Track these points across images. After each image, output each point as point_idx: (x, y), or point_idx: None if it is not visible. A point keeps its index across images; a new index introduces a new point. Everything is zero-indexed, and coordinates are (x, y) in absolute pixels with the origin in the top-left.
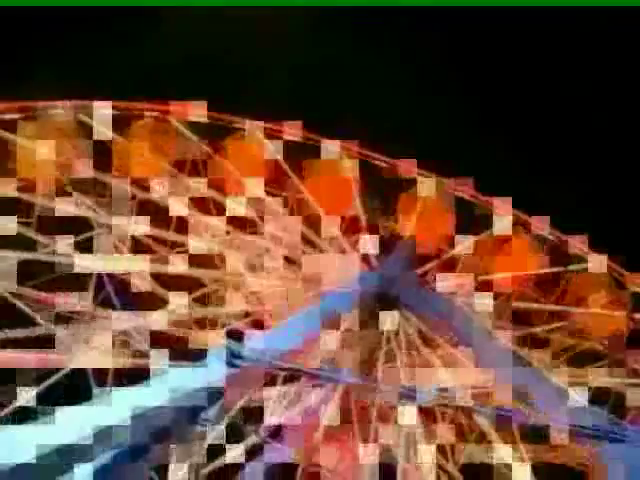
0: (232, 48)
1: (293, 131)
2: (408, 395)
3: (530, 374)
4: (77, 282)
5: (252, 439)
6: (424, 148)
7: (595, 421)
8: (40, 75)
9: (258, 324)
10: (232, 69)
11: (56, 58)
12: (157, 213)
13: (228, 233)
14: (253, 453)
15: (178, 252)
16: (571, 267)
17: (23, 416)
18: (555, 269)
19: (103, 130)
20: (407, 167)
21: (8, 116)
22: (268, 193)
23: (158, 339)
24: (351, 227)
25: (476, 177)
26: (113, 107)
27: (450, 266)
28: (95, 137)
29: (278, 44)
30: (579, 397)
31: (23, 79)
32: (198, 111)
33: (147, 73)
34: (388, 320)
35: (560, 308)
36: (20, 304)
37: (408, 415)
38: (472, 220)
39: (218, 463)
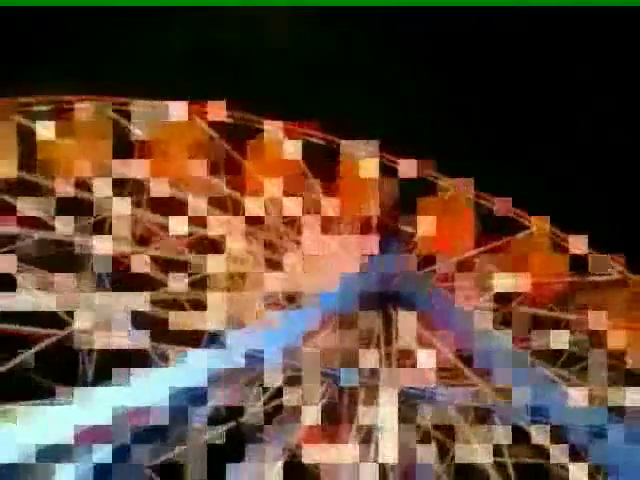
0: (236, 47)
1: (309, 131)
2: (407, 395)
3: (530, 374)
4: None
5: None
6: (424, 148)
7: (594, 420)
8: (66, 73)
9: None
10: (236, 69)
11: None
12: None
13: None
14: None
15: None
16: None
17: None
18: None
19: (131, 128)
20: (409, 167)
21: (35, 108)
22: (285, 193)
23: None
24: (362, 228)
25: (476, 177)
26: (133, 104)
27: (456, 268)
28: (125, 136)
29: (279, 44)
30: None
31: (31, 79)
32: (220, 110)
33: (148, 73)
34: (387, 319)
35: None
36: None
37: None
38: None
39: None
